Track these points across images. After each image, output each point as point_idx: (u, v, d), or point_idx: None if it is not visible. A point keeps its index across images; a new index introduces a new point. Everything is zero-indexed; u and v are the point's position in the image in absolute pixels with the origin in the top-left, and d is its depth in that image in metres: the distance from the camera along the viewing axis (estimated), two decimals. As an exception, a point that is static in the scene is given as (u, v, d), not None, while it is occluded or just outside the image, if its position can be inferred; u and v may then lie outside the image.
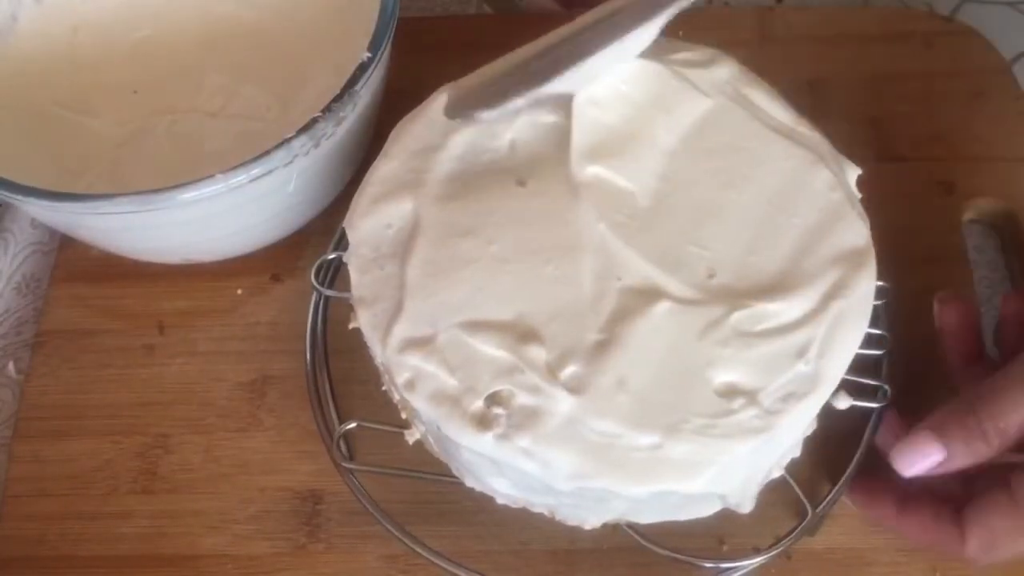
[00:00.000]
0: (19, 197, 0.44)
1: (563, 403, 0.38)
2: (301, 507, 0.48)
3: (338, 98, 0.45)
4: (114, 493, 0.48)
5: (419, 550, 0.44)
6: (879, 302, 0.42)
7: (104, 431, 0.50)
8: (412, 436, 0.44)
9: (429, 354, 0.39)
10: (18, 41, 0.54)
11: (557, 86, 0.42)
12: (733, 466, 0.38)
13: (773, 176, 0.43)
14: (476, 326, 0.39)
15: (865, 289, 0.40)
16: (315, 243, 0.54)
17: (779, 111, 0.45)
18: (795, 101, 0.45)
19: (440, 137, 0.44)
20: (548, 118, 0.44)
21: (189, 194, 0.43)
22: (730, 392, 0.38)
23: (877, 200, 0.44)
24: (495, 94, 0.42)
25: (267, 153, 0.44)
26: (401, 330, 0.40)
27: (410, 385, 0.39)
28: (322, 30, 0.55)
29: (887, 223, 0.43)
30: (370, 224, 0.43)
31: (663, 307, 0.39)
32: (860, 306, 0.40)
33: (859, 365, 0.41)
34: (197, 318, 0.53)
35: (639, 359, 0.38)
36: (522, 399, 0.38)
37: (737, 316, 0.39)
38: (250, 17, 0.57)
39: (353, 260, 0.42)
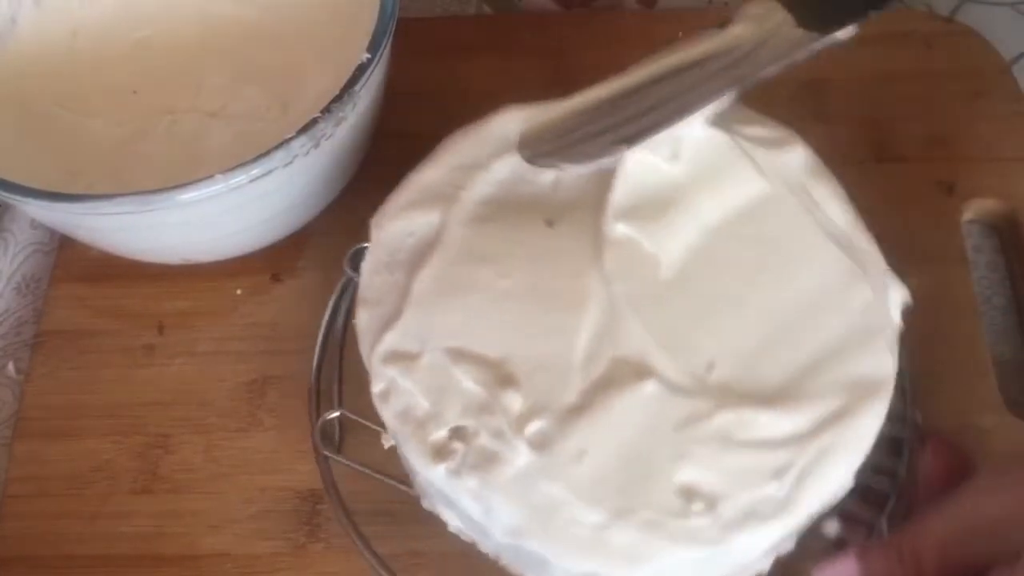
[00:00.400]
0: (19, 197, 0.44)
1: (521, 456, 0.37)
2: (301, 507, 0.47)
3: (338, 98, 0.45)
4: (114, 493, 0.48)
5: (365, 553, 0.43)
6: (902, 434, 0.39)
7: (104, 431, 0.50)
8: (387, 441, 0.43)
9: (409, 371, 0.39)
10: (18, 44, 0.54)
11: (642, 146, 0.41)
12: (675, 570, 0.36)
13: (809, 281, 0.39)
14: (461, 355, 0.39)
15: (867, 425, 0.37)
16: (315, 243, 0.54)
17: (838, 212, 0.42)
18: (795, 102, 0.45)
19: (487, 158, 0.43)
20: None
21: (189, 194, 0.43)
22: (690, 493, 0.36)
23: (877, 200, 0.44)
24: (576, 143, 0.42)
25: (267, 153, 0.44)
26: (391, 340, 0.39)
27: (384, 396, 0.39)
28: (322, 30, 0.55)
29: (887, 223, 0.43)
30: (396, 228, 0.42)
31: (650, 387, 0.37)
32: (856, 442, 0.37)
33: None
34: (197, 318, 0.53)
35: (608, 434, 0.37)
36: (483, 441, 0.37)
37: (722, 417, 0.37)
38: (250, 17, 0.57)
39: (369, 258, 0.42)
